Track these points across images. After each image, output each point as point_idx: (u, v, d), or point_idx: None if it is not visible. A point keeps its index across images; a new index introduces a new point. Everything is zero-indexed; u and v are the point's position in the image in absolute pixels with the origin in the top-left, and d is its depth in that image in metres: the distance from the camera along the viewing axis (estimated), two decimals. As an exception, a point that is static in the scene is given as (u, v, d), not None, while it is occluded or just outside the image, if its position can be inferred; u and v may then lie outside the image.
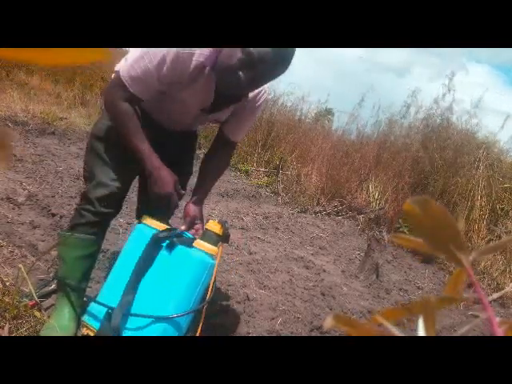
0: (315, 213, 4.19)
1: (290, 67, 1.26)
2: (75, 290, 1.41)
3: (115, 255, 1.45)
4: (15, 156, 3.19)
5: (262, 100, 1.46)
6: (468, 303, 2.58)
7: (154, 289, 1.27)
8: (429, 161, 4.51)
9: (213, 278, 1.34)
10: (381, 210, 4.14)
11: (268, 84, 1.43)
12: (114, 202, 1.42)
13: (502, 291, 3.02)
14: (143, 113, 1.37)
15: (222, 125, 1.53)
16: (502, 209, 4.21)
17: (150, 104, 1.37)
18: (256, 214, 3.67)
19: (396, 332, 0.28)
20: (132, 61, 1.23)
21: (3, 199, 2.36)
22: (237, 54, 1.17)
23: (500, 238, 3.87)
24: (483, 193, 4.10)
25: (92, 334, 1.29)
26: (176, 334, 1.27)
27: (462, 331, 0.30)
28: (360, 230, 3.99)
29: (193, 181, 1.64)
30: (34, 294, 1.43)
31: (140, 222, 1.40)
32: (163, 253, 1.30)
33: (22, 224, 2.14)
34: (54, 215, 2.36)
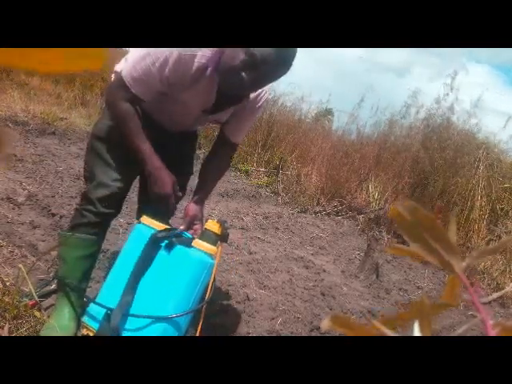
0: (315, 213, 4.19)
1: (291, 67, 1.26)
2: (75, 289, 1.41)
3: (115, 255, 1.45)
4: (15, 156, 3.19)
5: (262, 101, 1.46)
6: (468, 304, 2.58)
7: (154, 289, 1.27)
8: (429, 161, 4.51)
9: (212, 278, 1.34)
10: (381, 210, 4.14)
11: (269, 85, 1.43)
12: (115, 203, 1.42)
13: (502, 291, 3.02)
14: (144, 113, 1.37)
15: (222, 126, 1.53)
16: (502, 209, 4.21)
17: (151, 105, 1.37)
18: (256, 213, 3.67)
19: (394, 333, 0.28)
20: (134, 61, 1.23)
21: (3, 199, 2.36)
22: (239, 55, 1.17)
23: (500, 238, 3.87)
24: (483, 193, 4.10)
25: (91, 335, 1.29)
26: (176, 334, 1.27)
27: (459, 331, 0.31)
28: (360, 230, 3.99)
29: (193, 181, 1.64)
30: (34, 294, 1.43)
31: (139, 222, 1.40)
32: (162, 253, 1.30)
33: (22, 224, 2.14)
34: (54, 215, 2.36)
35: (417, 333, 0.28)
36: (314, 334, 1.87)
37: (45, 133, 4.30)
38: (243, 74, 1.18)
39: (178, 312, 1.25)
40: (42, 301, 1.51)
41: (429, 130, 5.09)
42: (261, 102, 1.46)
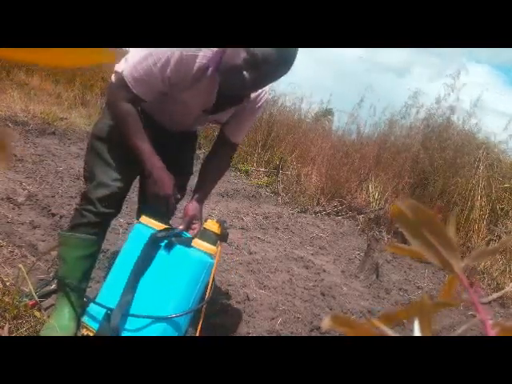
0: (315, 213, 4.19)
1: (292, 67, 1.26)
2: (75, 289, 1.41)
3: (115, 255, 1.45)
4: (15, 156, 3.19)
5: (262, 101, 1.46)
6: (468, 304, 2.58)
7: (153, 289, 1.27)
8: (429, 161, 4.51)
9: (212, 278, 1.34)
10: (381, 210, 4.14)
11: (269, 86, 1.43)
12: (115, 202, 1.42)
13: (502, 291, 3.01)
14: (144, 114, 1.37)
15: (222, 126, 1.53)
16: (502, 209, 4.21)
17: (152, 105, 1.37)
18: (256, 213, 3.67)
19: (393, 333, 0.28)
20: (135, 62, 1.23)
21: (3, 199, 2.36)
22: (241, 54, 1.17)
23: (500, 238, 3.87)
24: (483, 193, 4.10)
25: (91, 335, 1.29)
26: (175, 334, 1.27)
27: (459, 331, 0.31)
28: (360, 230, 3.99)
29: (193, 181, 1.64)
30: (34, 294, 1.43)
31: (139, 222, 1.40)
32: (162, 252, 1.30)
33: (22, 224, 2.14)
34: (54, 215, 2.36)
35: (417, 332, 0.28)
36: (314, 334, 1.87)
37: (45, 133, 4.30)
38: (245, 72, 1.18)
39: (177, 312, 1.25)
40: (42, 301, 1.51)
41: (429, 130, 5.09)
42: (261, 103, 1.46)
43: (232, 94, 1.31)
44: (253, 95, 1.41)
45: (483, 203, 4.07)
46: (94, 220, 1.39)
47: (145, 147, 1.29)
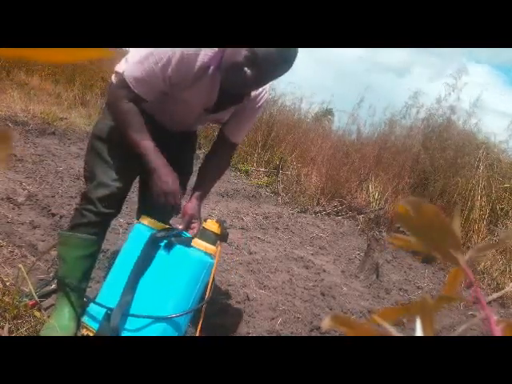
0: (315, 213, 4.19)
1: (291, 68, 1.27)
2: (75, 289, 1.41)
3: (115, 255, 1.45)
4: (15, 156, 3.19)
5: (262, 101, 1.46)
6: (468, 303, 2.58)
7: (153, 289, 1.27)
8: (429, 161, 4.51)
9: (211, 278, 1.34)
10: (381, 210, 4.14)
11: (268, 85, 1.43)
12: (115, 202, 1.42)
13: (502, 291, 3.02)
14: (145, 114, 1.37)
15: (222, 126, 1.53)
16: (502, 209, 4.21)
17: (153, 105, 1.37)
18: (256, 213, 3.67)
19: (394, 332, 0.28)
20: (136, 62, 1.23)
21: (3, 199, 2.36)
22: (242, 51, 1.17)
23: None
24: (483, 193, 4.10)
25: (91, 335, 1.29)
26: (175, 334, 1.27)
27: (459, 331, 0.31)
28: (360, 230, 3.99)
29: (193, 181, 1.64)
30: (34, 294, 1.43)
31: (139, 222, 1.40)
32: (161, 252, 1.30)
33: (22, 224, 2.14)
34: (54, 215, 2.36)
35: (419, 332, 0.28)
36: (314, 334, 1.87)
37: (45, 133, 4.30)
38: (246, 69, 1.19)
39: (177, 312, 1.25)
40: (42, 301, 1.51)
41: (429, 130, 5.09)
42: (261, 102, 1.46)
43: (233, 91, 1.31)
44: (253, 94, 1.41)
45: (483, 203, 4.07)
46: (94, 220, 1.39)
47: (147, 144, 1.28)
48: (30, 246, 1.93)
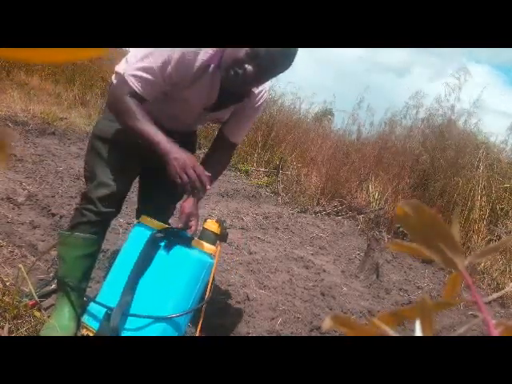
0: (315, 213, 4.19)
1: (291, 67, 1.27)
2: (75, 289, 1.41)
3: (115, 255, 1.45)
4: (15, 156, 3.19)
5: (262, 100, 1.46)
6: (468, 303, 2.58)
7: (153, 289, 1.27)
8: (430, 161, 4.51)
9: (211, 277, 1.34)
10: (381, 210, 4.14)
11: (268, 84, 1.43)
12: (115, 202, 1.42)
13: (502, 291, 3.01)
14: None
15: (222, 125, 1.53)
16: (502, 209, 4.21)
17: (153, 105, 1.36)
18: (256, 213, 3.67)
19: (394, 332, 0.28)
20: (137, 61, 1.23)
21: (3, 199, 2.36)
22: (243, 48, 1.18)
23: (500, 238, 3.87)
24: (483, 193, 4.10)
25: (91, 335, 1.29)
26: (175, 334, 1.27)
27: (460, 331, 0.31)
28: (360, 230, 3.99)
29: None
30: (34, 294, 1.43)
31: (139, 222, 1.40)
32: (161, 252, 1.30)
33: (22, 224, 2.14)
34: (54, 215, 2.36)
35: (418, 332, 0.28)
36: (314, 334, 1.87)
37: (45, 133, 4.30)
38: (246, 66, 1.19)
39: (177, 311, 1.25)
40: (42, 301, 1.51)
41: (429, 131, 5.09)
42: (260, 102, 1.46)
43: (234, 89, 1.31)
44: (253, 93, 1.41)
45: (483, 203, 4.07)
46: (95, 219, 1.39)
47: (154, 131, 1.24)
48: (29, 246, 1.93)
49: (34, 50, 0.27)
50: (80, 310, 1.41)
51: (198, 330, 1.33)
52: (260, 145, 5.49)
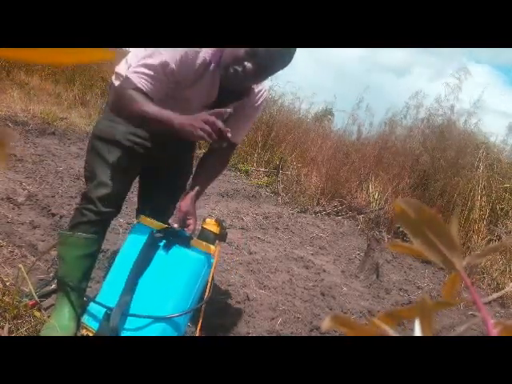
0: (315, 213, 4.19)
1: (290, 67, 1.27)
2: (75, 289, 1.41)
3: (115, 255, 1.45)
4: (15, 156, 3.19)
5: (261, 99, 1.46)
6: (468, 303, 2.58)
7: (153, 289, 1.27)
8: (430, 161, 4.51)
9: (211, 277, 1.34)
10: (381, 210, 4.14)
11: (268, 84, 1.43)
12: (115, 202, 1.42)
13: (502, 291, 3.01)
14: None
15: (221, 125, 1.53)
16: (502, 209, 4.21)
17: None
18: (256, 213, 3.67)
19: (394, 332, 0.28)
20: (138, 61, 1.24)
21: (3, 199, 2.36)
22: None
23: (500, 238, 3.87)
24: (483, 193, 4.10)
25: (91, 335, 1.29)
26: (175, 334, 1.27)
27: (459, 331, 0.31)
28: (360, 230, 3.99)
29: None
30: (34, 294, 1.43)
31: (138, 222, 1.40)
32: (160, 252, 1.30)
33: (22, 224, 2.14)
34: (54, 215, 2.36)
35: (418, 332, 0.28)
36: (313, 334, 1.87)
37: (45, 133, 4.30)
38: (246, 63, 1.20)
39: (177, 311, 1.25)
40: (42, 301, 1.51)
41: (429, 131, 5.09)
42: (260, 101, 1.46)
43: (233, 87, 1.31)
44: (252, 92, 1.41)
45: (483, 203, 4.07)
46: (95, 219, 1.39)
47: (163, 111, 1.20)
48: (29, 246, 1.93)
49: (34, 50, 0.27)
50: (80, 310, 1.41)
51: (198, 329, 1.33)
52: (260, 145, 5.49)
